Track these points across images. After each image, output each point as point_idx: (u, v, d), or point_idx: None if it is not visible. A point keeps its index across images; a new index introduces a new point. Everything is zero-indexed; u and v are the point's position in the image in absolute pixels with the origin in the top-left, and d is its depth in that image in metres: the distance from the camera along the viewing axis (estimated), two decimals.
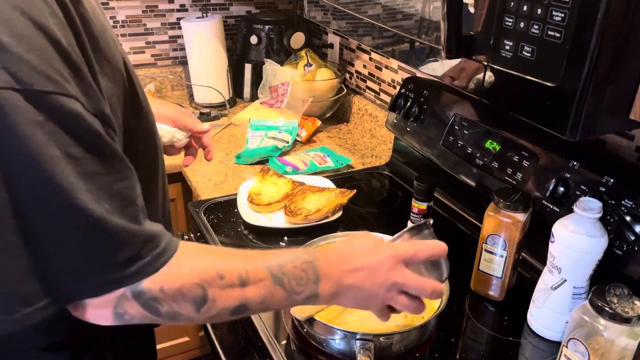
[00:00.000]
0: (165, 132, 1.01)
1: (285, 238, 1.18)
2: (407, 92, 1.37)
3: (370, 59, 1.73)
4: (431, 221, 0.80)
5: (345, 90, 1.82)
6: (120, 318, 0.63)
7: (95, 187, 0.58)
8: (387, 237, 0.83)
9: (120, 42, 0.75)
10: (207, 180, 1.44)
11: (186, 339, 1.85)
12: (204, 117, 1.75)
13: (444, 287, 0.77)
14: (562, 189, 0.96)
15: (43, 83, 0.54)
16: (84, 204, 0.56)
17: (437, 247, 0.75)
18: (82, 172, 0.57)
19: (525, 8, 0.65)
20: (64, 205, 0.56)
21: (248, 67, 1.91)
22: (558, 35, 0.62)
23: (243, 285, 0.66)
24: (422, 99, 1.33)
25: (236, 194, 1.29)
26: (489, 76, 0.74)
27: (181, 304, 0.63)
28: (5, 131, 0.52)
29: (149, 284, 0.62)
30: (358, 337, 0.82)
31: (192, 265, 0.65)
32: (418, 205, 1.14)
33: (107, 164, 0.60)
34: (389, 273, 0.72)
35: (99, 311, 0.63)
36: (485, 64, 0.74)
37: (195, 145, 1.08)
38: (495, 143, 1.12)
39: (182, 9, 1.98)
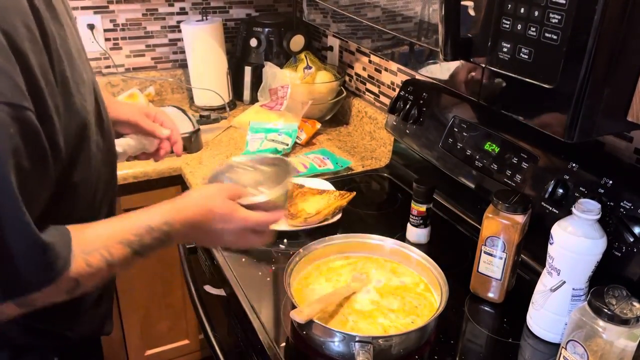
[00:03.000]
0: (132, 146, 1.01)
1: (285, 240, 1.18)
2: (407, 95, 1.37)
3: (370, 61, 1.74)
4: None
5: (345, 93, 1.82)
6: None
7: (29, 198, 0.63)
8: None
9: (90, 65, 0.85)
10: (206, 182, 1.44)
11: (186, 341, 1.85)
12: (204, 119, 1.75)
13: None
14: (561, 190, 0.96)
15: (20, 99, 0.60)
16: (20, 214, 0.61)
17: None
18: (21, 184, 0.62)
19: (522, 10, 0.66)
20: (8, 215, 0.60)
21: (248, 70, 1.92)
22: (555, 37, 0.62)
23: (109, 265, 0.72)
24: (421, 101, 1.33)
25: None
26: (487, 78, 0.74)
27: (56, 296, 0.69)
28: None
29: None
30: (357, 339, 0.82)
31: (72, 264, 0.69)
32: (417, 207, 1.14)
33: (40, 181, 0.66)
34: (233, 235, 0.83)
35: None
36: (483, 66, 0.74)
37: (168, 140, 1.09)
38: (494, 145, 1.12)
39: (182, 12, 1.98)
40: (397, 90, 1.42)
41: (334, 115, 1.84)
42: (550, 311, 0.89)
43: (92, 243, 0.71)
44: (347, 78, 1.88)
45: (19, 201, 0.60)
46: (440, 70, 0.86)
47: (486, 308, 1.01)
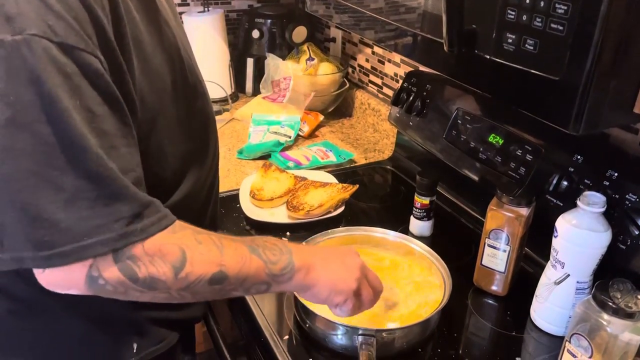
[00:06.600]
0: None
1: (288, 233, 1.17)
2: (410, 86, 1.36)
3: (373, 52, 1.73)
4: None
5: (348, 85, 1.81)
6: (93, 283, 0.61)
7: (106, 146, 0.60)
8: None
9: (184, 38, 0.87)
10: None
11: None
12: None
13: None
14: (565, 183, 0.96)
15: (76, 40, 0.58)
16: (95, 157, 0.58)
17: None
18: (97, 128, 0.59)
19: (527, 1, 0.65)
20: (78, 155, 0.58)
21: (250, 62, 1.90)
22: (561, 28, 0.62)
23: (220, 251, 0.66)
24: (424, 93, 1.32)
25: (238, 189, 1.29)
26: (491, 70, 0.74)
27: (160, 266, 0.62)
28: (33, 75, 0.56)
29: None
30: (360, 332, 0.82)
31: (172, 229, 0.65)
32: (421, 200, 1.13)
33: (118, 127, 0.62)
34: (356, 258, 0.79)
35: (71, 274, 0.60)
36: (488, 57, 0.73)
37: None
38: (498, 137, 1.11)
39: (184, 3, 1.97)
40: (401, 82, 1.42)
41: (337, 107, 1.83)
42: (554, 304, 0.89)
43: (200, 229, 0.68)
44: (349, 70, 1.87)
45: (88, 141, 0.58)
46: (444, 61, 0.85)
47: (490, 301, 1.00)
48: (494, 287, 1.00)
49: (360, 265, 0.78)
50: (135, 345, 0.80)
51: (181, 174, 0.81)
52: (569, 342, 0.78)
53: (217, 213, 0.99)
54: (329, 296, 0.75)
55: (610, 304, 0.72)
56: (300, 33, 1.84)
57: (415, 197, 1.14)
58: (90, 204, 0.59)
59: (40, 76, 0.55)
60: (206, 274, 0.65)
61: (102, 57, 0.60)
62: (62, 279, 0.61)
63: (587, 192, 0.84)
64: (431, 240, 1.15)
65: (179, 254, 0.63)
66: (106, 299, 0.65)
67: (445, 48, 0.76)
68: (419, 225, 1.16)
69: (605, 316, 0.72)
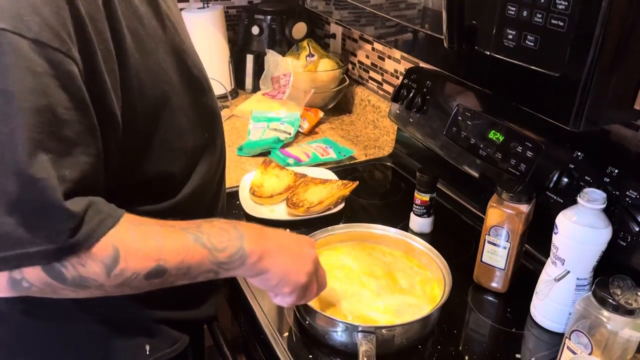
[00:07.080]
0: None
1: (287, 230, 1.17)
2: (410, 83, 1.36)
3: (373, 49, 1.72)
4: None
5: (348, 81, 1.81)
6: (17, 286, 0.58)
7: (61, 152, 0.57)
8: None
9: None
10: None
11: None
12: None
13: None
14: (565, 180, 0.95)
15: (51, 38, 0.55)
16: (43, 163, 0.55)
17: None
18: (57, 132, 0.56)
19: None
20: (23, 160, 0.54)
21: (250, 58, 1.90)
22: (562, 24, 0.61)
23: (160, 244, 0.63)
24: (425, 90, 1.32)
25: (238, 186, 1.29)
26: (492, 66, 0.73)
27: (89, 266, 0.58)
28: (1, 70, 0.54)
29: None
30: (360, 329, 0.82)
31: (113, 231, 0.61)
32: (421, 197, 1.13)
33: (81, 137, 0.59)
34: (311, 250, 0.78)
35: None
36: (488, 53, 0.73)
37: None
38: (498, 134, 1.11)
39: None
40: (401, 78, 1.41)
41: (337, 104, 1.83)
42: (554, 301, 0.89)
43: (140, 219, 0.64)
44: (350, 66, 1.86)
45: (36, 143, 0.54)
46: (444, 58, 0.85)
47: (490, 298, 1.00)
48: (494, 284, 1.00)
49: (314, 258, 0.77)
50: (147, 347, 0.79)
51: (190, 169, 0.81)
52: (569, 338, 0.78)
53: (225, 208, 0.99)
54: (277, 285, 0.73)
55: (610, 300, 0.72)
56: (300, 29, 1.84)
57: (415, 194, 1.14)
58: (33, 211, 0.55)
59: (6, 73, 0.53)
60: (142, 270, 0.62)
61: (78, 57, 0.58)
62: None
63: (587, 189, 0.84)
64: (431, 237, 1.15)
65: (111, 252, 0.60)
66: (117, 301, 0.64)
67: (445, 44, 0.76)
68: (419, 222, 1.16)
69: (605, 313, 0.72)
